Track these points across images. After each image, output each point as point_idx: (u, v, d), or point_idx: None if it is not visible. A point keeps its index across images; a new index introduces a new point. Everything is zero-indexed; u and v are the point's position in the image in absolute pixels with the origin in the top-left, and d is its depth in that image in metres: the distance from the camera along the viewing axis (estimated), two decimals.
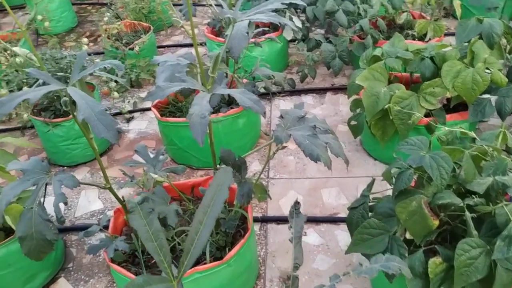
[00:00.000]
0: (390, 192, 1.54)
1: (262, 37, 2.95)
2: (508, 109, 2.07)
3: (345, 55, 2.97)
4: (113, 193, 1.58)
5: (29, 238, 1.28)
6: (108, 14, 3.67)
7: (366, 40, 2.86)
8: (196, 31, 4.15)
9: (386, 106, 2.01)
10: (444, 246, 1.40)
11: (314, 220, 2.11)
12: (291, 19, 3.01)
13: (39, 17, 3.36)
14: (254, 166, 2.48)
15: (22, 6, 4.69)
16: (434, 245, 1.39)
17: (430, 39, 2.85)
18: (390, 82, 2.26)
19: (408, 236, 1.43)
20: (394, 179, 1.49)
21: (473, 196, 1.34)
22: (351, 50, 3.02)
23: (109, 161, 2.65)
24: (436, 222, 1.34)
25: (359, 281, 1.80)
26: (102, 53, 3.46)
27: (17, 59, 2.73)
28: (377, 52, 2.30)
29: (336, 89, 3.10)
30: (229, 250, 1.62)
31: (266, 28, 2.83)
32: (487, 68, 2.04)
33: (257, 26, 2.85)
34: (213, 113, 2.34)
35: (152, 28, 3.50)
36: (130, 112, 3.00)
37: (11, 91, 2.76)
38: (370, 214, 1.60)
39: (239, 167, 1.53)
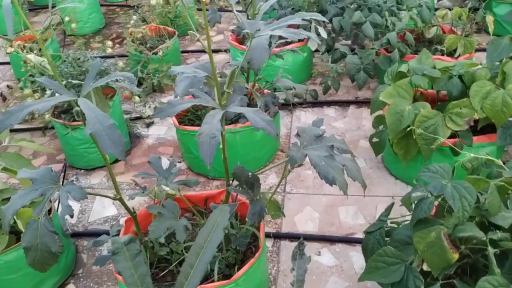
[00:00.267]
0: (409, 217, 1.47)
1: (284, 47, 2.90)
2: None
3: (371, 68, 2.89)
4: (123, 204, 1.55)
5: (34, 249, 1.26)
6: (135, 17, 3.68)
7: (393, 54, 2.77)
8: (221, 37, 4.15)
9: (410, 128, 1.93)
10: (464, 280, 1.32)
11: (329, 240, 2.05)
12: (317, 29, 2.96)
13: (66, 18, 3.39)
14: (270, 179, 2.43)
15: (53, 6, 4.75)
16: (452, 279, 1.31)
17: (459, 55, 2.75)
18: (415, 98, 2.18)
19: (425, 267, 1.35)
20: (413, 205, 1.42)
21: (497, 230, 1.26)
22: (376, 63, 2.94)
23: (126, 166, 2.64)
24: (456, 256, 1.26)
25: None
26: (126, 56, 3.47)
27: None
28: (403, 68, 2.22)
29: (360, 103, 3.02)
30: (239, 268, 1.58)
31: None
32: None
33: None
34: (231, 123, 2.31)
35: (177, 33, 3.49)
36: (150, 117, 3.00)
37: (34, 91, 2.79)
38: (386, 239, 1.53)
39: (252, 184, 1.48)
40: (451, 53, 2.82)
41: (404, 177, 2.33)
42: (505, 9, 3.41)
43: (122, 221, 2.01)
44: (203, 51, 3.82)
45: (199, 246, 0.61)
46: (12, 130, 2.97)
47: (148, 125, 2.97)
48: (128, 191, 2.43)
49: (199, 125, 2.42)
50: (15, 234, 1.81)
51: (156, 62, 3.23)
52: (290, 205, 2.25)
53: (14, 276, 1.79)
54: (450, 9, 2.91)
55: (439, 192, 1.29)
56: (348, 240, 2.04)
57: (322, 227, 2.13)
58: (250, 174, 1.48)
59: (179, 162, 2.62)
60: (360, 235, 2.03)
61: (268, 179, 2.43)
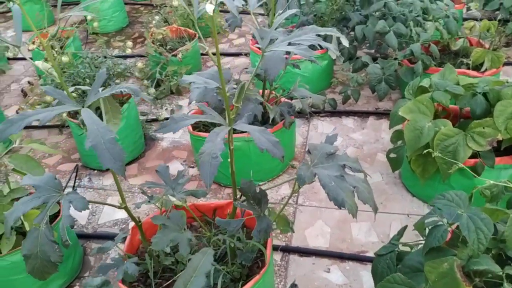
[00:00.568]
0: (422, 241, 1.40)
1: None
2: None
3: (392, 79, 2.81)
4: (129, 213, 1.53)
5: (34, 257, 1.24)
6: (157, 17, 3.67)
7: (416, 66, 2.69)
8: (242, 40, 4.11)
9: (429, 150, 1.86)
10: None
11: (339, 256, 1.99)
12: (338, 38, 2.89)
13: (89, 17, 3.41)
14: (283, 190, 2.38)
15: (77, 3, 4.80)
16: None
17: (486, 69, 2.65)
18: (436, 114, 2.10)
19: None
20: (427, 231, 1.36)
21: None
22: (399, 74, 2.86)
23: (140, 168, 2.63)
24: None
25: None
26: (146, 56, 3.46)
27: (64, 58, 2.76)
28: (425, 82, 2.14)
29: (380, 114, 2.94)
30: (244, 283, 1.54)
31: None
32: None
33: None
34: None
35: (197, 35, 3.47)
36: (166, 119, 2.98)
37: None
38: (397, 264, 1.47)
39: (260, 200, 1.44)
40: (477, 67, 2.72)
41: (421, 195, 2.25)
42: None
43: (131, 224, 1.99)
44: (224, 54, 3.78)
45: None
46: (29, 127, 2.99)
47: None
48: (139, 195, 2.41)
49: None
50: (23, 235, 1.81)
51: (175, 64, 3.21)
52: (302, 218, 2.20)
53: (20, 276, 1.79)
54: (478, 19, 2.81)
55: (454, 221, 1.22)
56: (359, 258, 1.98)
57: (333, 242, 2.07)
58: (258, 189, 1.44)
59: (192, 167, 2.59)
60: (372, 254, 1.97)
61: (281, 190, 2.38)
